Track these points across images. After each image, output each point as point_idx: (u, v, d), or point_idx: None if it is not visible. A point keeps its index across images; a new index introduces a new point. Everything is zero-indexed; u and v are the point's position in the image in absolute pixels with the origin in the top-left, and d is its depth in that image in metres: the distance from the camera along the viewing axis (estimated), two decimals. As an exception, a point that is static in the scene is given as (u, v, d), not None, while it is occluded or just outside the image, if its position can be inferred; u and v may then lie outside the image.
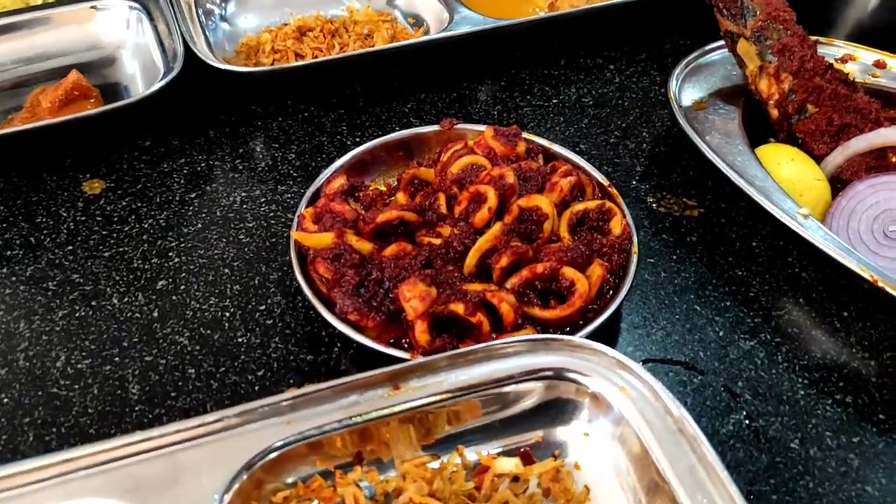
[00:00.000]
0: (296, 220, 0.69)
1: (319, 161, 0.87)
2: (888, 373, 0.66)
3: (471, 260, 0.64)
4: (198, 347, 0.66)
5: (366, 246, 0.66)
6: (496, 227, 0.65)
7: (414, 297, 0.60)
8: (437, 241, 0.67)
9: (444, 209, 0.71)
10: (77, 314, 0.68)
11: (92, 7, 0.99)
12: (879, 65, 0.89)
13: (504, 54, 1.03)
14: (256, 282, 0.72)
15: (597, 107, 0.96)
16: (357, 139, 0.90)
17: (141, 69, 0.95)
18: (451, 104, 0.96)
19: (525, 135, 0.78)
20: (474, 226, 0.67)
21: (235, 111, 0.93)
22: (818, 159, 0.78)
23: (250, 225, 0.78)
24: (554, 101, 0.97)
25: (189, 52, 0.88)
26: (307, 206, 0.71)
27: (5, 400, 0.62)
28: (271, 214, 0.80)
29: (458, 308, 0.61)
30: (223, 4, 1.03)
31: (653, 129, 0.93)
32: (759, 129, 0.84)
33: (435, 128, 0.81)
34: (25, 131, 0.77)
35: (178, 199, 0.81)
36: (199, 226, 0.78)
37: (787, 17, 0.81)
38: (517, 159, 0.75)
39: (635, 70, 1.03)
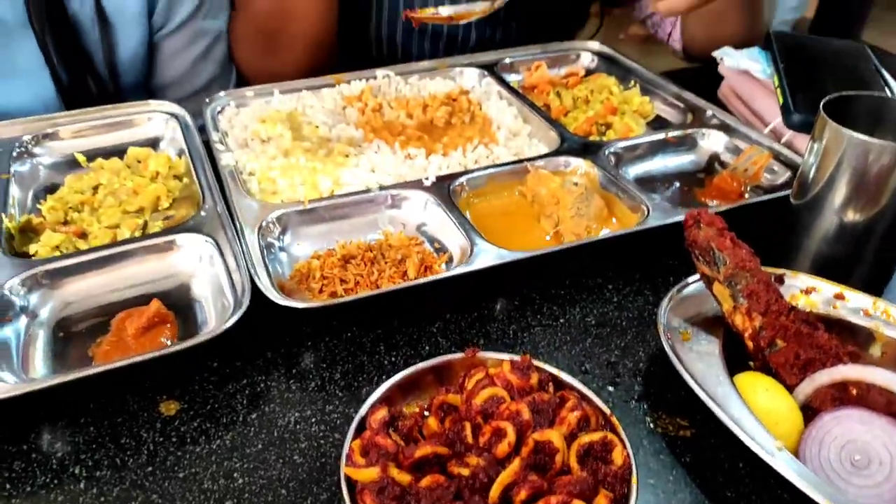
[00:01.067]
0: (344, 453, 0.81)
1: (361, 381, 1.01)
2: None
3: (494, 493, 0.76)
4: (260, 569, 0.76)
5: (405, 478, 0.78)
6: (515, 464, 0.78)
7: (447, 529, 0.72)
8: (466, 472, 0.79)
9: (470, 439, 0.84)
10: (156, 535, 0.80)
11: (170, 242, 1.18)
12: (838, 297, 1.04)
13: (517, 278, 1.20)
14: (309, 502, 0.84)
15: (598, 326, 1.11)
16: (393, 359, 1.05)
17: (211, 294, 1.12)
18: (472, 323, 1.12)
19: (536, 363, 0.92)
20: (496, 457, 0.80)
21: (288, 332, 1.08)
22: (790, 388, 0.92)
23: (303, 445, 0.91)
24: (561, 320, 1.12)
25: (253, 285, 1.05)
26: (354, 437, 0.83)
27: None
28: (321, 434, 0.93)
29: (485, 540, 0.72)
30: (281, 237, 1.23)
31: (647, 349, 1.07)
32: (738, 354, 0.98)
33: (460, 355, 0.95)
34: (120, 368, 0.92)
35: (241, 419, 0.95)
36: (260, 447, 0.91)
37: (752, 265, 0.97)
38: (531, 390, 0.89)
39: (631, 290, 1.19)
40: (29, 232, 1.24)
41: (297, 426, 0.94)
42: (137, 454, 0.89)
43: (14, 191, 1.34)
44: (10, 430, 0.92)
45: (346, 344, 1.07)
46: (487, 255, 1.14)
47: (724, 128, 1.54)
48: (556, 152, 1.47)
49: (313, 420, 0.95)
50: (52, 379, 0.91)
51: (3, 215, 1.23)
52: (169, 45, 1.69)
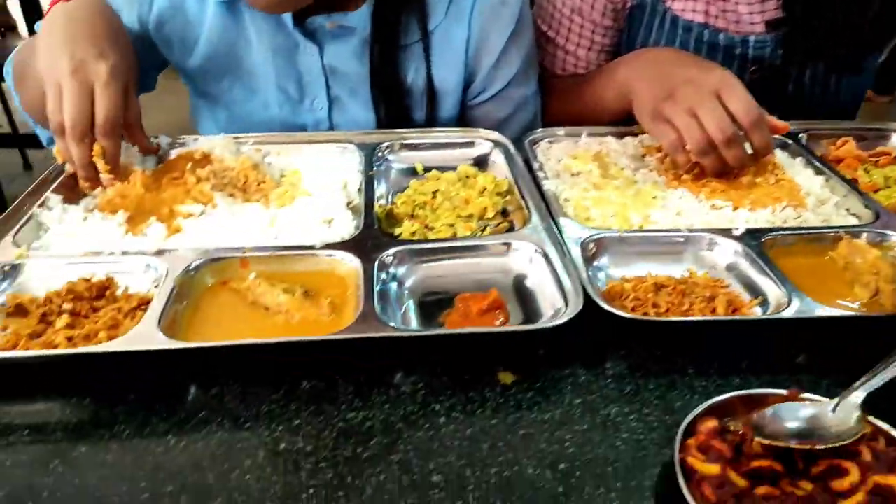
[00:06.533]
0: (678, 444, 0.90)
1: (674, 395, 1.09)
2: None
3: (833, 519, 0.80)
4: (596, 526, 0.88)
5: (741, 482, 0.85)
6: (860, 497, 0.81)
7: (789, 535, 0.77)
8: (800, 493, 0.84)
9: (800, 465, 0.88)
10: None
11: (506, 244, 1.38)
12: None
13: (832, 337, 1.21)
14: (632, 484, 0.94)
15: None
16: (703, 383, 1.12)
17: (538, 293, 1.29)
18: (779, 370, 1.15)
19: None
20: (833, 489, 0.84)
21: (602, 338, 1.20)
22: None
23: (624, 436, 1.02)
24: (880, 386, 1.12)
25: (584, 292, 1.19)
26: (683, 439, 0.92)
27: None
28: (639, 430, 1.03)
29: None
30: (597, 257, 1.37)
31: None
32: None
33: (780, 392, 1.00)
34: (481, 334, 1.11)
35: (566, 401, 1.08)
36: (585, 427, 1.03)
37: None
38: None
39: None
40: (391, 218, 1.52)
41: (617, 419, 1.05)
42: (483, 408, 1.06)
43: (376, 186, 1.65)
44: (379, 371, 1.14)
45: (658, 361, 1.17)
46: (807, 309, 1.17)
47: None
48: (873, 224, 1.45)
49: (632, 418, 1.05)
50: (427, 330, 1.13)
51: (376, 202, 1.53)
52: (479, 109, 1.97)
